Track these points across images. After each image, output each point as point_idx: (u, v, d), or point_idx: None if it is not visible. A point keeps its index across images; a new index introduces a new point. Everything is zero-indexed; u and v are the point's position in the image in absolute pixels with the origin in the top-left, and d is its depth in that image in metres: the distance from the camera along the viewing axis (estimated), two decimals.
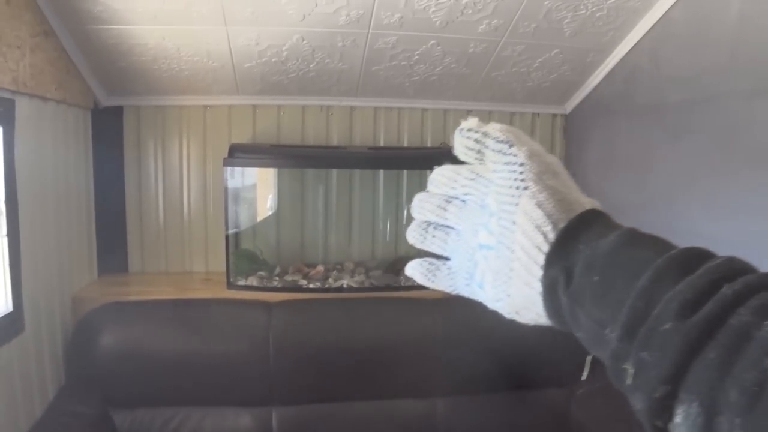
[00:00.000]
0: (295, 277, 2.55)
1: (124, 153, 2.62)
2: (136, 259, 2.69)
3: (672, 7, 2.11)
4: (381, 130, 2.82)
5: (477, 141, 0.51)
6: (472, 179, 0.53)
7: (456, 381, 2.36)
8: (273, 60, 2.34)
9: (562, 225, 0.46)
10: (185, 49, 2.24)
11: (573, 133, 2.93)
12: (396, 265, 2.71)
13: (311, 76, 2.49)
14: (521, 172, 0.48)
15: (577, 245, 0.45)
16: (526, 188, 0.47)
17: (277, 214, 2.75)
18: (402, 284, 2.56)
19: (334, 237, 2.82)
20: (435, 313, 2.36)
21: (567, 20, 2.20)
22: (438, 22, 2.17)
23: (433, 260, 0.57)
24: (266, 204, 2.73)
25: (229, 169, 2.43)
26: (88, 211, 2.49)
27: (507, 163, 0.49)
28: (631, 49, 2.35)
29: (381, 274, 2.64)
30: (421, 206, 0.57)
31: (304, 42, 2.24)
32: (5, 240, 1.75)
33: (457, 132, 0.52)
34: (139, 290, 2.40)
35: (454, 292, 0.56)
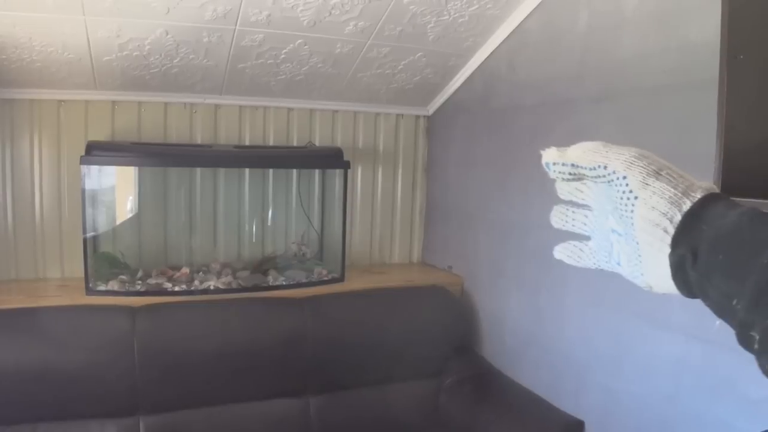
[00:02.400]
0: (159, 280, 2.45)
1: None
2: None
3: (527, 17, 2.25)
4: (246, 129, 2.78)
5: (571, 174, 0.56)
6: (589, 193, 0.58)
7: (327, 378, 2.38)
8: (134, 54, 2.25)
9: (678, 217, 0.50)
10: (38, 39, 2.09)
11: (435, 133, 3.04)
12: (263, 265, 2.68)
13: (175, 72, 2.41)
14: (627, 185, 0.53)
15: (700, 225, 0.49)
16: (636, 197, 0.52)
17: (139, 216, 2.64)
18: (270, 284, 2.54)
19: (199, 238, 2.74)
20: (304, 312, 2.36)
21: (431, 25, 2.28)
22: (306, 22, 2.18)
23: (576, 242, 0.62)
24: (127, 205, 2.61)
25: (86, 167, 2.30)
26: None
27: (610, 182, 0.54)
28: (489, 54, 2.48)
29: (248, 274, 2.60)
30: (561, 188, 0.60)
31: (168, 36, 2.17)
32: None
33: (546, 168, 0.58)
34: None
35: (598, 268, 0.61)
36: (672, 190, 0.51)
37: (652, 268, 0.53)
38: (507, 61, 2.41)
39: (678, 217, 0.50)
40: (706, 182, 0.53)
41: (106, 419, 2.10)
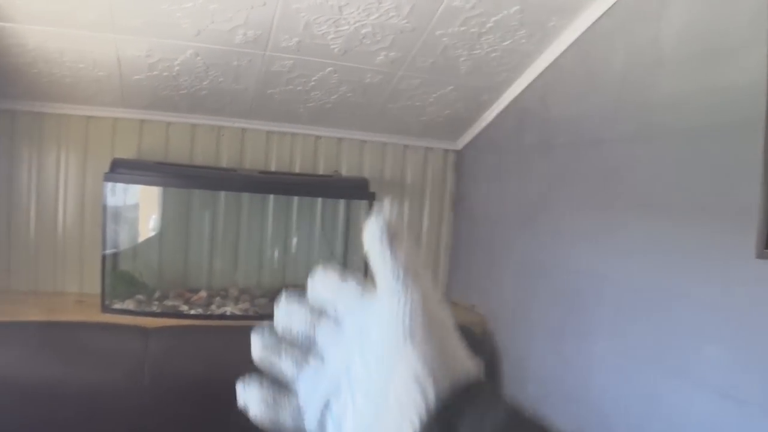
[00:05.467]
0: (176, 302, 2.43)
1: None
2: (1, 275, 2.49)
3: (562, 54, 2.19)
4: (273, 155, 2.77)
5: (381, 243, 0.45)
6: (359, 296, 0.47)
7: None
8: (164, 74, 2.25)
9: (442, 394, 0.41)
10: (69, 55, 2.11)
11: (464, 168, 2.99)
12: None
13: (203, 94, 2.41)
14: (410, 316, 0.43)
15: (458, 426, 0.40)
16: (413, 335, 0.43)
17: (160, 236, 2.63)
18: None
19: (219, 262, 2.72)
20: None
21: (463, 58, 2.24)
22: (336, 50, 2.16)
23: (277, 389, 0.48)
24: (148, 224, 2.61)
25: (110, 184, 2.30)
26: None
27: (398, 301, 0.44)
28: (522, 90, 2.43)
29: (266, 302, 2.57)
30: (287, 310, 0.49)
31: (198, 58, 2.17)
32: None
33: (372, 220, 0.46)
34: (2, 309, 2.21)
35: None
36: (450, 349, 0.43)
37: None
38: (540, 97, 2.35)
39: (442, 394, 0.41)
40: (474, 361, 0.45)
41: None
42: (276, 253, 2.82)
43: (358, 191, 2.63)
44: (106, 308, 2.30)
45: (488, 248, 2.72)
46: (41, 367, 2.00)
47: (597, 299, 1.99)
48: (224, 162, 2.69)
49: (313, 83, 2.38)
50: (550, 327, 2.23)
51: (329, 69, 2.28)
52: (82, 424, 2.02)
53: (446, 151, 3.02)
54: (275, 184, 2.61)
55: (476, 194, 2.86)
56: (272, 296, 2.62)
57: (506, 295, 2.54)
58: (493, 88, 2.48)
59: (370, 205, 2.64)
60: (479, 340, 2.57)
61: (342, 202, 2.86)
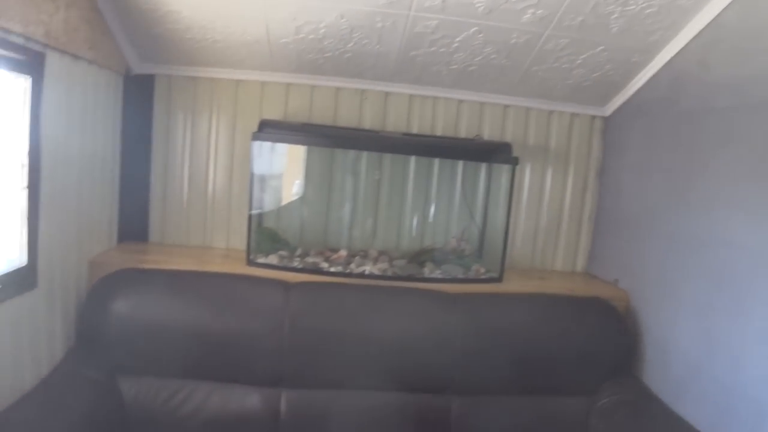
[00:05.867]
0: (317, 260, 2.50)
1: (153, 122, 2.61)
2: (156, 228, 2.69)
3: (725, 9, 2.02)
4: (415, 118, 2.77)
5: None
6: None
7: (474, 379, 2.29)
8: (310, 37, 2.30)
9: None
10: (220, 20, 2.20)
11: (611, 136, 2.84)
12: (420, 256, 2.65)
13: (347, 57, 2.44)
14: None
15: None
16: None
17: (303, 196, 2.71)
18: (425, 276, 2.50)
19: (359, 223, 2.77)
20: (456, 309, 2.30)
21: (615, 15, 2.12)
22: (481, 8, 2.10)
23: None
24: (293, 184, 2.70)
25: (257, 144, 2.39)
26: (113, 176, 2.48)
27: None
28: (678, 52, 2.27)
29: (405, 263, 2.59)
30: None
31: (343, 20, 2.19)
32: (25, 192, 1.73)
33: None
34: (157, 259, 2.38)
35: None
36: None
37: None
38: (698, 58, 2.18)
39: None
40: None
41: (250, 387, 2.17)
42: (415, 216, 2.82)
43: (500, 155, 2.58)
44: (250, 262, 2.41)
45: (634, 220, 2.58)
46: (192, 311, 2.15)
47: (753, 275, 1.84)
48: (367, 125, 2.73)
49: (456, 44, 2.34)
50: (698, 304, 2.08)
51: (473, 29, 2.23)
52: (224, 367, 2.16)
53: (593, 117, 2.89)
54: (417, 145, 2.61)
55: (623, 163, 2.72)
56: (410, 259, 2.63)
57: (651, 269, 2.41)
58: (645, 49, 2.33)
59: (513, 170, 2.58)
60: (621, 317, 2.45)
61: (484, 166, 2.81)
